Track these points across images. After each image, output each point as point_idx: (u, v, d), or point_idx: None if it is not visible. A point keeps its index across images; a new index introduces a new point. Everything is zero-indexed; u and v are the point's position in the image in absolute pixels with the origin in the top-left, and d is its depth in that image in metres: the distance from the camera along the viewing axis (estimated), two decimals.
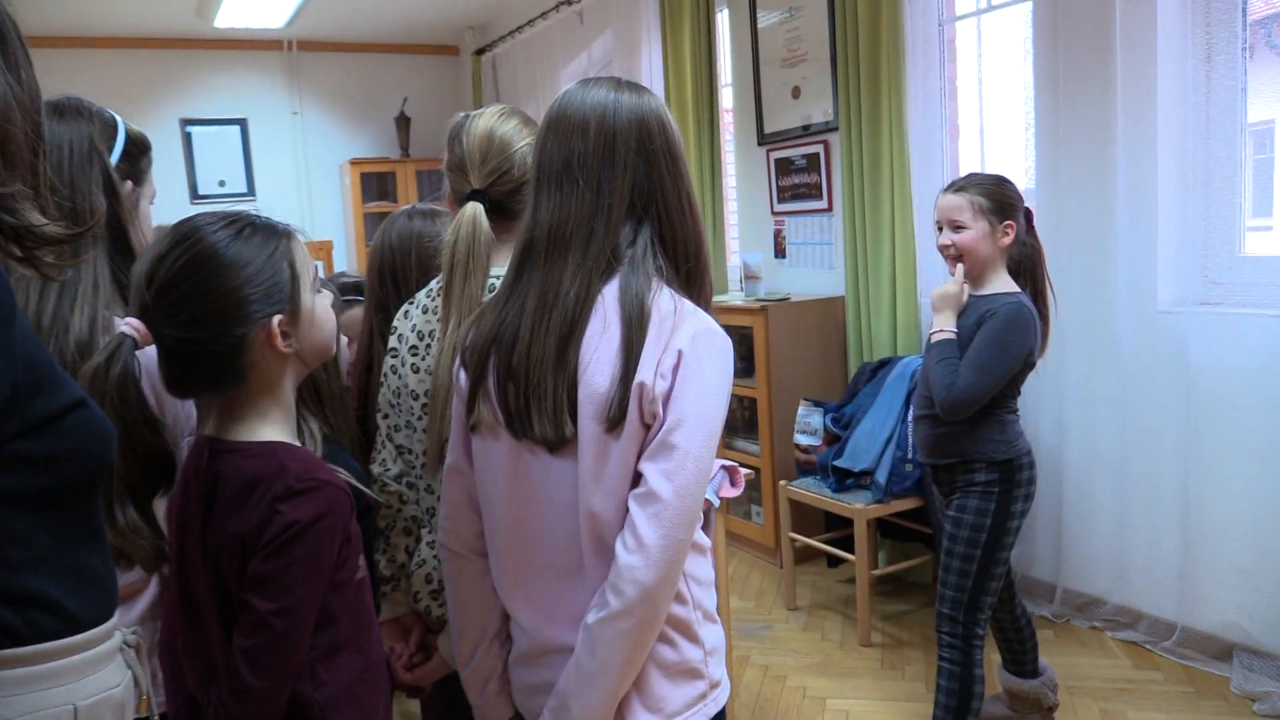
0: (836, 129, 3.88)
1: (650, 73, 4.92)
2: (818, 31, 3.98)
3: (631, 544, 1.12)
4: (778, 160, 4.33)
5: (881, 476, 3.14)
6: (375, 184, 7.06)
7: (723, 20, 4.65)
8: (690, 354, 1.13)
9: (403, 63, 7.25)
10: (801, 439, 3.52)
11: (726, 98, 4.72)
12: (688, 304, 1.19)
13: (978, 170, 3.45)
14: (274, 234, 1.24)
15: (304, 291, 1.25)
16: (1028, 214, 2.40)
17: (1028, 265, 2.40)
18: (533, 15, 5.95)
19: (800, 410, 3.55)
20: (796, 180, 4.25)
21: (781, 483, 3.51)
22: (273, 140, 6.91)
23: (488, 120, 1.51)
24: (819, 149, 4.08)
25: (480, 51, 6.89)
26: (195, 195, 6.73)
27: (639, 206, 1.20)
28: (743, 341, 4.09)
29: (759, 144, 4.43)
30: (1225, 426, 2.76)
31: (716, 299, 4.20)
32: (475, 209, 1.42)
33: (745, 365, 4.03)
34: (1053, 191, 3.13)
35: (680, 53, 4.61)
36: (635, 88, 1.25)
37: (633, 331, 1.14)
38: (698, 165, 4.60)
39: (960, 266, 2.36)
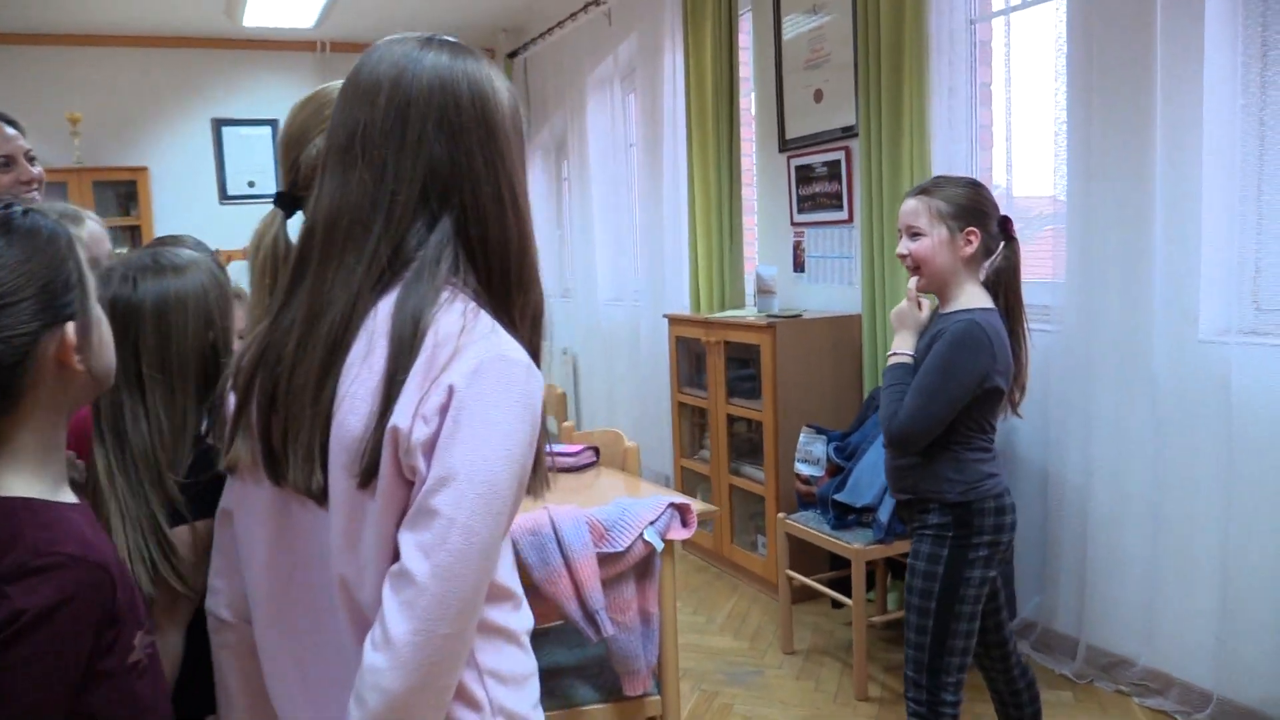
0: (858, 134, 3.60)
1: (673, 76, 4.69)
2: (842, 30, 3.72)
3: (379, 638, 0.86)
4: (799, 167, 4.06)
5: (884, 515, 2.84)
6: None
7: (746, 21, 4.41)
8: (467, 391, 0.87)
9: None
10: (803, 468, 3.24)
11: (750, 102, 4.47)
12: (484, 324, 0.92)
13: (1005, 181, 3.15)
14: (49, 230, 1.02)
15: (90, 299, 1.04)
16: (1004, 222, 2.12)
17: (1004, 279, 2.11)
18: (562, 16, 5.77)
19: (802, 437, 3.27)
20: (817, 189, 3.98)
21: (780, 515, 3.24)
22: None
23: (294, 106, 1.29)
24: (840, 155, 3.81)
25: (513, 54, 6.74)
26: (224, 195, 6.69)
27: (435, 196, 0.95)
28: (749, 361, 3.83)
29: (780, 150, 4.17)
30: (1272, 471, 2.43)
31: (728, 314, 3.95)
32: (270, 215, 1.19)
33: (751, 386, 3.77)
34: (1084, 205, 2.82)
35: (702, 55, 4.37)
36: (452, 46, 1.00)
37: (398, 359, 0.89)
38: (716, 172, 4.35)
39: (913, 279, 2.10)
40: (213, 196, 6.65)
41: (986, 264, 2.13)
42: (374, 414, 0.89)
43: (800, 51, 3.98)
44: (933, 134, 3.22)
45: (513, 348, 0.92)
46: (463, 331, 0.90)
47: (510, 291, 0.98)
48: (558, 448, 2.62)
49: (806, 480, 3.22)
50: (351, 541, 0.90)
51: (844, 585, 3.10)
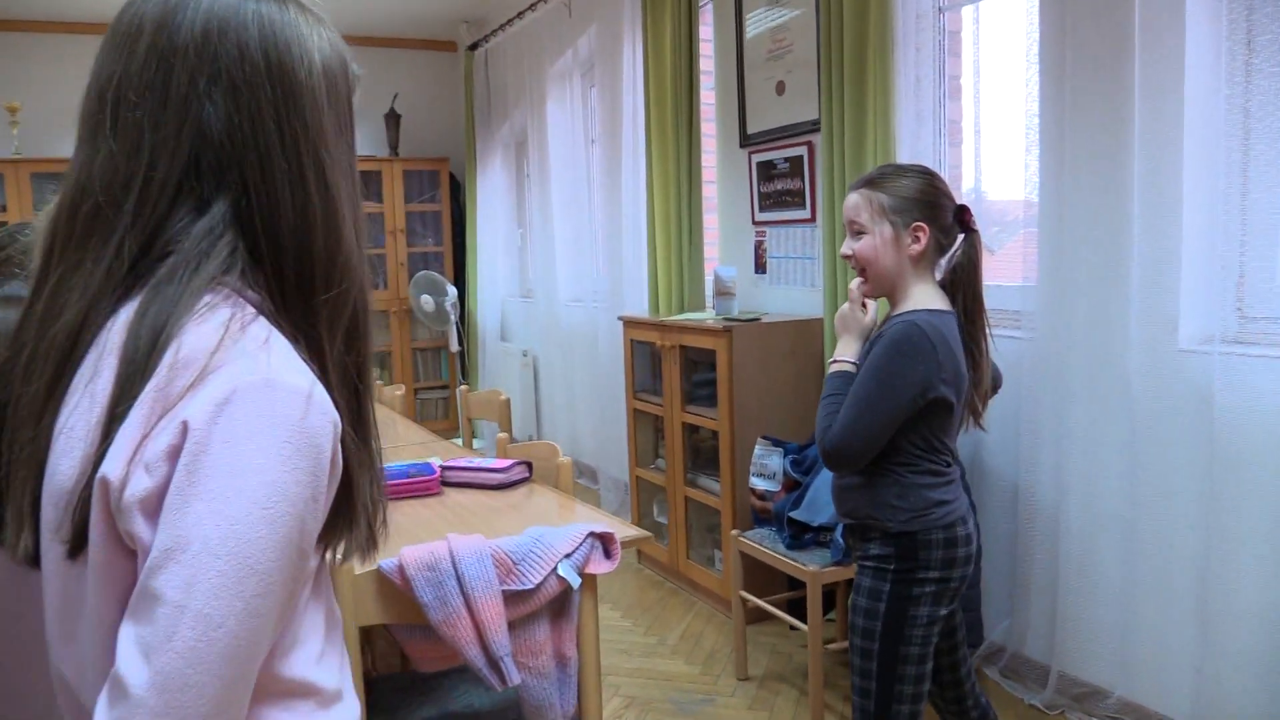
0: (819, 129, 3.41)
1: (633, 70, 4.49)
2: (806, 18, 3.52)
3: None
4: (760, 164, 3.86)
5: (841, 535, 2.64)
6: (362, 184, 6.68)
7: (708, 12, 4.20)
8: (209, 428, 0.65)
9: (397, 57, 6.89)
10: (757, 483, 3.04)
11: (712, 97, 4.26)
12: (251, 339, 0.70)
13: (974, 179, 2.96)
14: None
15: None
16: (960, 212, 1.91)
17: (962, 278, 1.89)
18: (522, 7, 5.56)
19: (757, 450, 3.07)
20: (779, 186, 3.78)
21: (734, 532, 3.04)
22: None
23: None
24: (802, 151, 3.61)
25: (474, 47, 6.51)
26: None
27: (208, 173, 0.73)
28: (705, 366, 3.63)
29: (741, 145, 3.97)
30: (1254, 489, 2.25)
31: (684, 317, 3.75)
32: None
33: (709, 393, 3.57)
34: (1056, 203, 2.63)
35: (661, 46, 4.16)
36: None
37: (125, 385, 0.68)
38: (675, 168, 4.15)
39: (856, 280, 1.90)
40: None
41: (943, 261, 1.93)
42: (88, 458, 0.67)
43: (763, 42, 3.78)
44: (898, 128, 3.02)
45: (288, 370, 0.70)
46: (217, 348, 0.68)
47: (313, 297, 0.76)
48: (486, 463, 2.40)
49: (762, 495, 3.02)
50: (68, 630, 0.69)
51: (801, 606, 2.90)
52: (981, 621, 2.85)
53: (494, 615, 1.56)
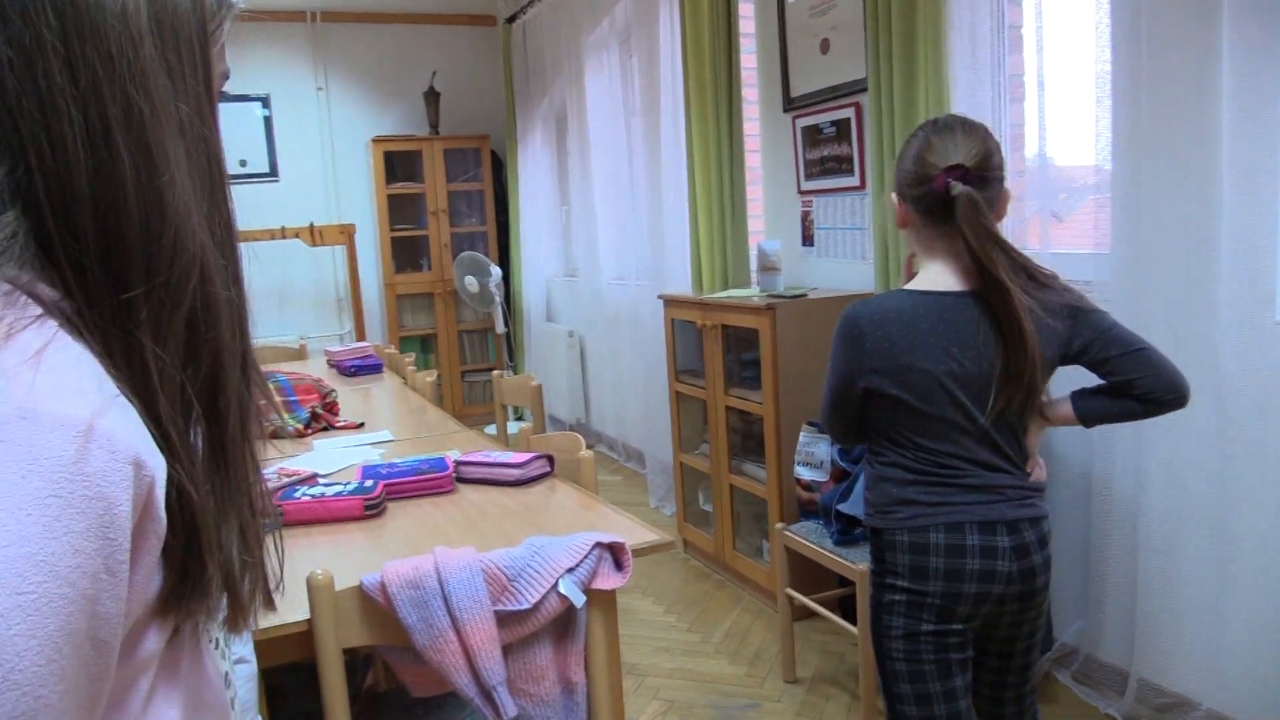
0: (867, 88, 3.15)
1: (670, 35, 4.25)
2: None
3: None
4: (805, 129, 3.62)
5: None
6: (402, 163, 6.57)
7: None
8: None
9: (434, 34, 6.74)
10: (803, 472, 2.82)
11: (753, 60, 4.02)
12: (19, 351, 0.50)
13: (1038, 140, 2.69)
14: None
15: None
16: (935, 180, 1.59)
17: (973, 253, 1.60)
18: None
19: (802, 436, 2.85)
20: (825, 152, 3.53)
21: (778, 525, 2.83)
22: (296, 118, 6.50)
23: None
24: (850, 113, 3.36)
25: (512, 19, 6.32)
26: None
27: None
28: (750, 346, 3.42)
29: (785, 110, 3.72)
30: None
31: (727, 294, 3.54)
32: None
33: (752, 375, 3.35)
34: (1131, 164, 2.35)
35: (698, 7, 3.92)
36: None
37: None
38: (715, 137, 3.92)
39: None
40: None
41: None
42: None
43: None
44: (952, 84, 2.76)
45: (59, 396, 0.50)
46: None
47: (126, 291, 0.57)
48: (503, 457, 2.23)
49: (808, 486, 2.81)
50: None
51: (852, 604, 2.69)
52: (1050, 622, 2.62)
53: (485, 639, 1.38)
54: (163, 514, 0.55)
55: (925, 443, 1.61)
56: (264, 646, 1.51)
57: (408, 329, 6.72)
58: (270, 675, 1.66)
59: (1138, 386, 1.56)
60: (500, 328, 6.54)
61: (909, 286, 1.66)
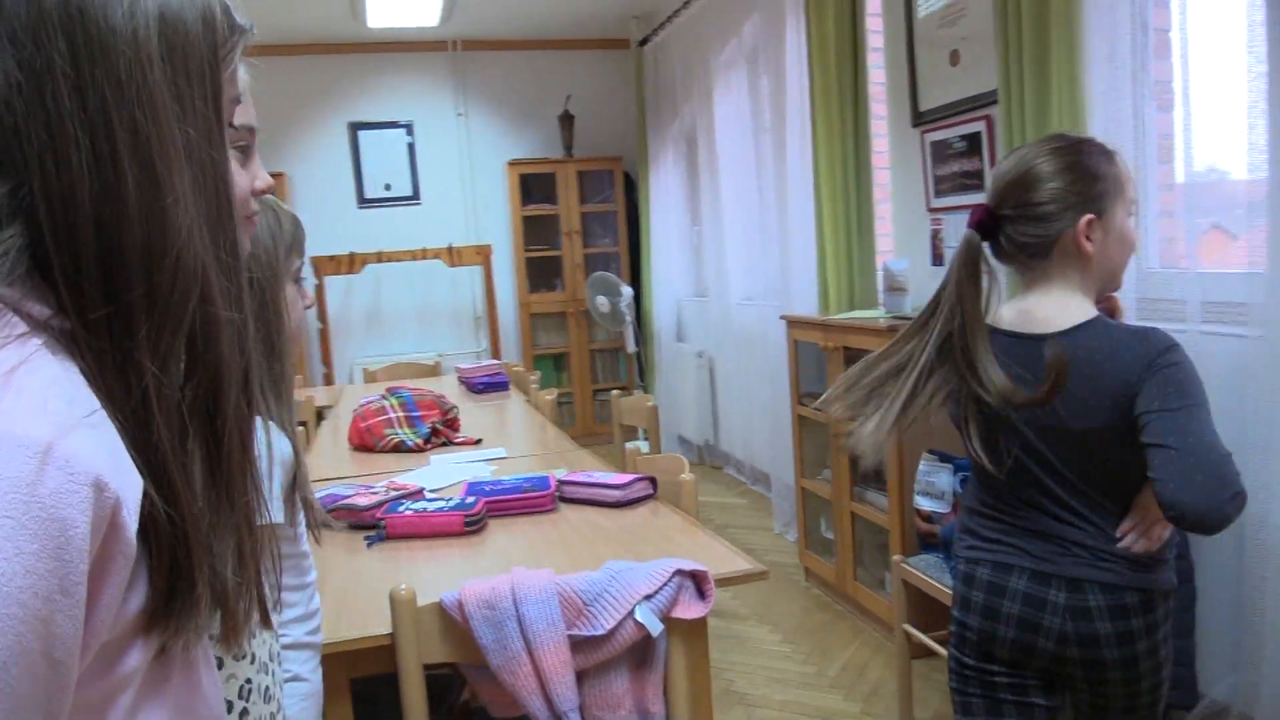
0: (998, 100, 3.00)
1: (797, 51, 4.18)
2: None
3: None
4: (934, 144, 3.48)
5: None
6: (537, 186, 6.72)
7: None
8: None
9: (569, 58, 6.88)
10: (923, 503, 2.69)
11: (881, 76, 3.90)
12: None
13: (1183, 151, 2.49)
14: None
15: None
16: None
17: None
18: None
19: (922, 465, 2.72)
20: (955, 167, 3.38)
21: (896, 558, 2.71)
22: (437, 142, 6.75)
23: None
24: (981, 126, 3.21)
25: (644, 42, 6.39)
26: (361, 199, 6.68)
27: None
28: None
29: (913, 124, 3.60)
30: None
31: (849, 315, 3.44)
32: None
33: None
34: None
35: (824, 21, 3.85)
36: None
37: None
38: (841, 153, 3.82)
39: None
40: (351, 200, 6.65)
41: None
42: None
43: (934, 6, 3.39)
44: (1089, 92, 2.59)
45: (23, 415, 0.50)
46: None
47: (127, 310, 0.58)
48: (606, 478, 2.21)
49: (928, 517, 2.68)
50: None
51: None
52: (1195, 676, 2.39)
53: (558, 664, 1.37)
54: (131, 535, 0.54)
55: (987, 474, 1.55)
56: (350, 657, 1.54)
57: (541, 347, 6.84)
58: (361, 685, 1.69)
59: (1158, 492, 1.32)
60: (631, 347, 6.58)
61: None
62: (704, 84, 5.43)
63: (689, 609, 1.45)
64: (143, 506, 0.56)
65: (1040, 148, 1.53)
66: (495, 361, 4.77)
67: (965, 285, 1.52)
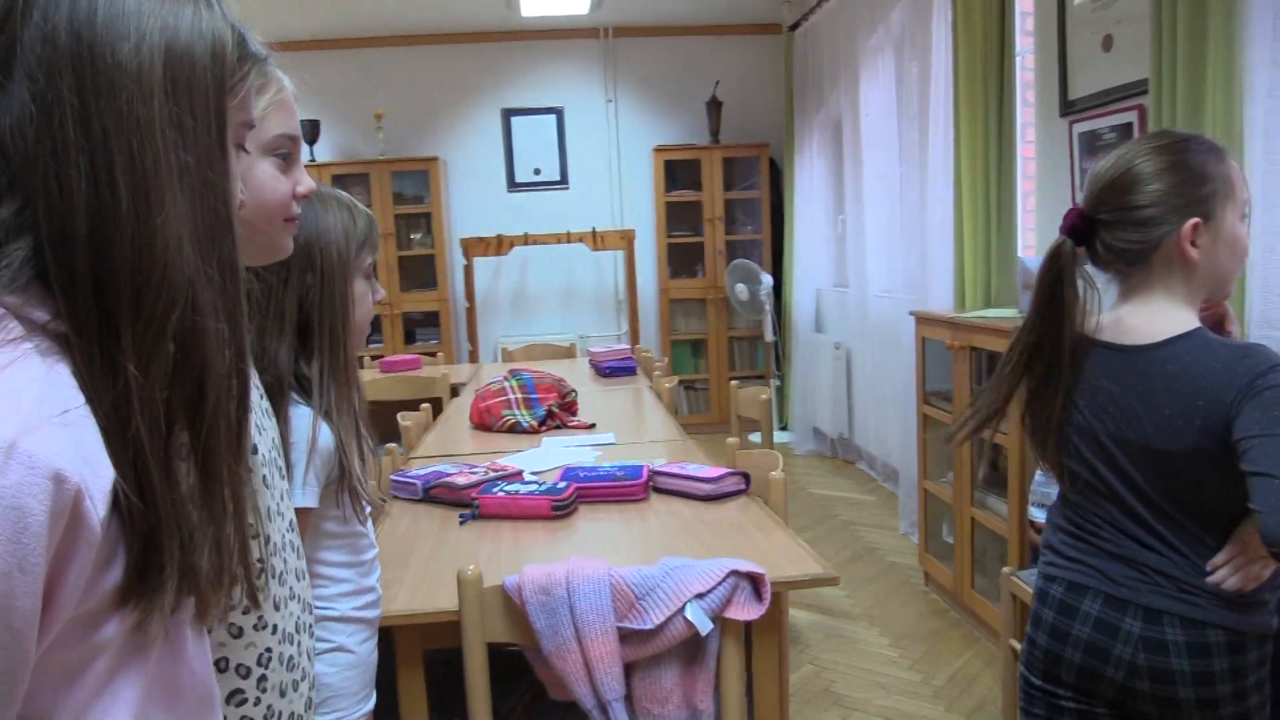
0: (1148, 90, 2.80)
1: (944, 38, 4.02)
2: None
3: None
4: (1083, 135, 3.28)
5: None
6: (683, 172, 6.74)
7: None
8: None
9: (719, 44, 6.85)
10: (1036, 514, 2.57)
11: (1032, 63, 3.70)
12: None
13: None
14: None
15: None
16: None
17: None
18: None
19: (1038, 476, 2.59)
20: None
21: (1005, 570, 2.59)
22: (586, 128, 6.87)
23: None
24: (1132, 117, 3.00)
25: (794, 26, 6.28)
26: (511, 183, 6.88)
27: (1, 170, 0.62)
28: (974, 372, 3.16)
29: (1061, 114, 3.40)
30: None
31: (979, 314, 3.30)
32: None
33: None
34: None
35: (971, 3, 3.68)
36: None
37: None
38: (984, 144, 3.66)
39: None
40: (501, 184, 6.86)
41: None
42: None
43: None
44: (1247, 81, 2.38)
45: (24, 424, 0.57)
46: None
47: (114, 318, 0.64)
48: (698, 470, 2.22)
49: (1040, 529, 2.54)
50: None
51: None
52: None
53: (605, 654, 1.39)
54: (94, 522, 0.60)
55: (1076, 501, 1.48)
56: (423, 630, 1.62)
57: (679, 333, 6.88)
58: (440, 656, 1.77)
59: (1261, 525, 1.18)
60: (769, 336, 6.52)
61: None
62: (851, 70, 5.30)
63: (744, 610, 1.45)
64: (119, 495, 0.62)
65: (1142, 145, 1.43)
66: (625, 346, 4.83)
67: (1053, 294, 1.44)
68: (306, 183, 1.08)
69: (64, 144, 0.62)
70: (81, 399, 0.62)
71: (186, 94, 0.67)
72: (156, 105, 0.65)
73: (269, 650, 0.98)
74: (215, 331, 0.68)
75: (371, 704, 1.45)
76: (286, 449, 1.30)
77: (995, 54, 3.61)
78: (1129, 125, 3.02)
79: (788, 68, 6.43)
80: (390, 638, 1.63)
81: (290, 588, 1.04)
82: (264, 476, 1.00)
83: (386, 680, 1.72)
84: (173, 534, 0.65)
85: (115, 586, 0.64)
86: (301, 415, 1.34)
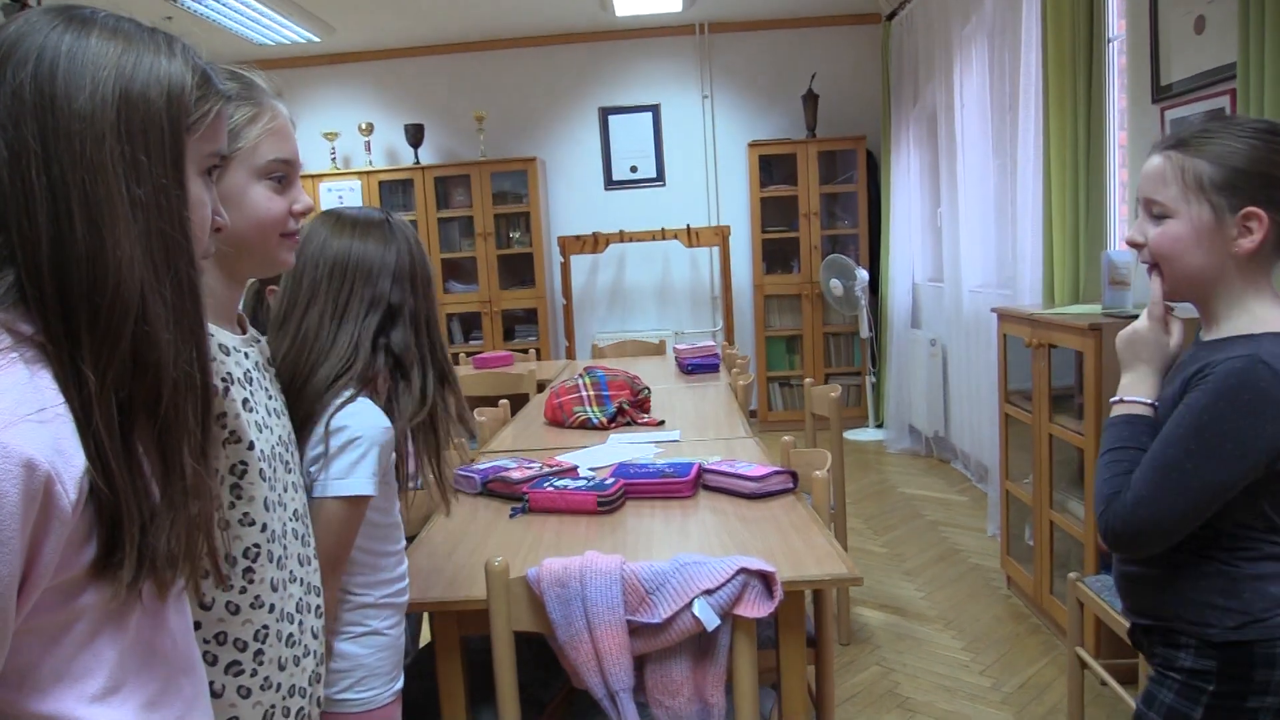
0: (1236, 75, 2.66)
1: (1033, 22, 3.89)
2: None
3: None
4: (1174, 122, 3.13)
5: (1131, 634, 2.05)
6: (778, 166, 6.71)
7: None
8: None
9: (815, 36, 6.77)
10: None
11: (1120, 47, 3.55)
12: None
13: None
14: None
15: None
16: None
17: None
18: None
19: None
20: None
21: (1072, 575, 2.52)
22: (682, 125, 6.91)
23: None
24: (1224, 102, 2.85)
25: (891, 16, 6.16)
26: (609, 182, 6.98)
27: None
28: (1070, 370, 3.06)
29: (1153, 100, 3.26)
30: None
31: (1060, 310, 3.21)
32: None
33: (1071, 401, 3.00)
34: None
35: None
36: (60, 13, 0.77)
37: None
38: (1072, 132, 3.54)
39: (1156, 282, 1.39)
40: (598, 182, 6.97)
41: None
42: None
43: None
44: None
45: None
46: None
47: (74, 328, 0.74)
48: (745, 468, 2.24)
49: None
50: None
51: None
52: None
53: (614, 645, 1.44)
54: (65, 504, 0.71)
55: None
56: (458, 616, 1.71)
57: (774, 329, 6.85)
58: (484, 644, 1.85)
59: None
60: (865, 332, 6.44)
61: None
62: (946, 59, 5.17)
63: (754, 608, 1.48)
64: (91, 481, 0.72)
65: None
66: (711, 344, 4.86)
67: None
68: (304, 201, 1.18)
69: (29, 185, 0.73)
70: (61, 399, 0.73)
71: (141, 134, 0.77)
72: (108, 146, 0.75)
73: (266, 627, 1.07)
74: (167, 340, 0.77)
75: (400, 683, 1.53)
76: (327, 439, 1.37)
77: (1084, 38, 3.48)
78: (1222, 110, 2.87)
79: (884, 58, 6.32)
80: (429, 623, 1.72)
81: (291, 571, 1.13)
82: (260, 470, 1.09)
83: (428, 666, 1.81)
84: (133, 518, 0.75)
85: (90, 561, 0.74)
86: (358, 410, 1.40)
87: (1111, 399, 1.48)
